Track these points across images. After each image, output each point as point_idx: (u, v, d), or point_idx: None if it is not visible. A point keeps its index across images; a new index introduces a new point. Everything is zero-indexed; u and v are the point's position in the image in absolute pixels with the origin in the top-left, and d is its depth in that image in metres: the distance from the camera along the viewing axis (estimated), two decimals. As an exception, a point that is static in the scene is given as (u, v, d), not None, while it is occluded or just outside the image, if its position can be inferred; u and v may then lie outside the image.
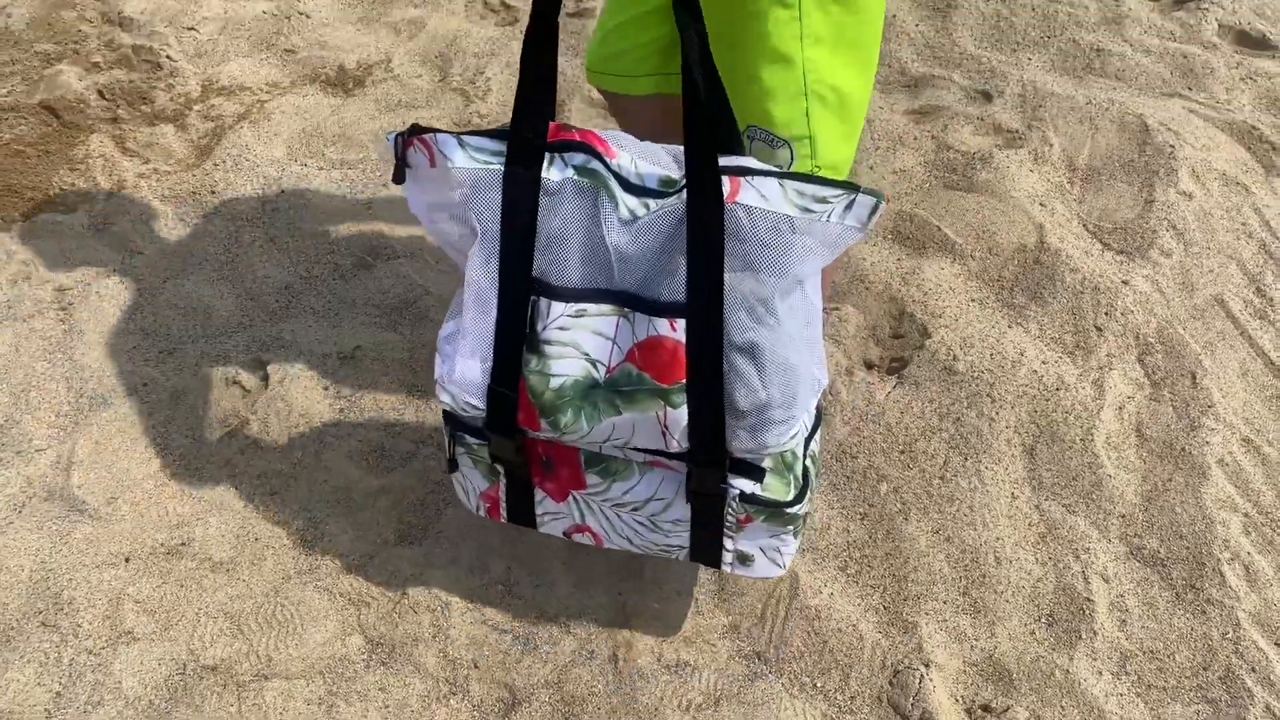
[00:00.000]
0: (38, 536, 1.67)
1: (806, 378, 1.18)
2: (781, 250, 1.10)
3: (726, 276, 1.11)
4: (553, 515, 1.41)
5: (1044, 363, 1.88)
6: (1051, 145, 2.32)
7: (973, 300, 2.02)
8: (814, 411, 1.35)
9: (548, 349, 1.18)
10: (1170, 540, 1.67)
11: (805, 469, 1.31)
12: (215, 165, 2.28)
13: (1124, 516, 1.70)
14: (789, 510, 1.28)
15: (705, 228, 1.10)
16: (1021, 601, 1.61)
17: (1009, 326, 1.96)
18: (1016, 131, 2.38)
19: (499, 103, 2.47)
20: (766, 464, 1.27)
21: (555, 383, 1.18)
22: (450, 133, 1.17)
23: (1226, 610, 1.59)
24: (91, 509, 1.70)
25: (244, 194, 2.23)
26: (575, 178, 1.14)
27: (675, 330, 1.14)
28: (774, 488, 1.28)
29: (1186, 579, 1.63)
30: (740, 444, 1.20)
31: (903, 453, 1.78)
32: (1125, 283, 2.01)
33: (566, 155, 1.15)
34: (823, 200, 1.09)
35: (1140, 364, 1.90)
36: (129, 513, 1.71)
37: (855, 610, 1.60)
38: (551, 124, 1.17)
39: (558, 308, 1.17)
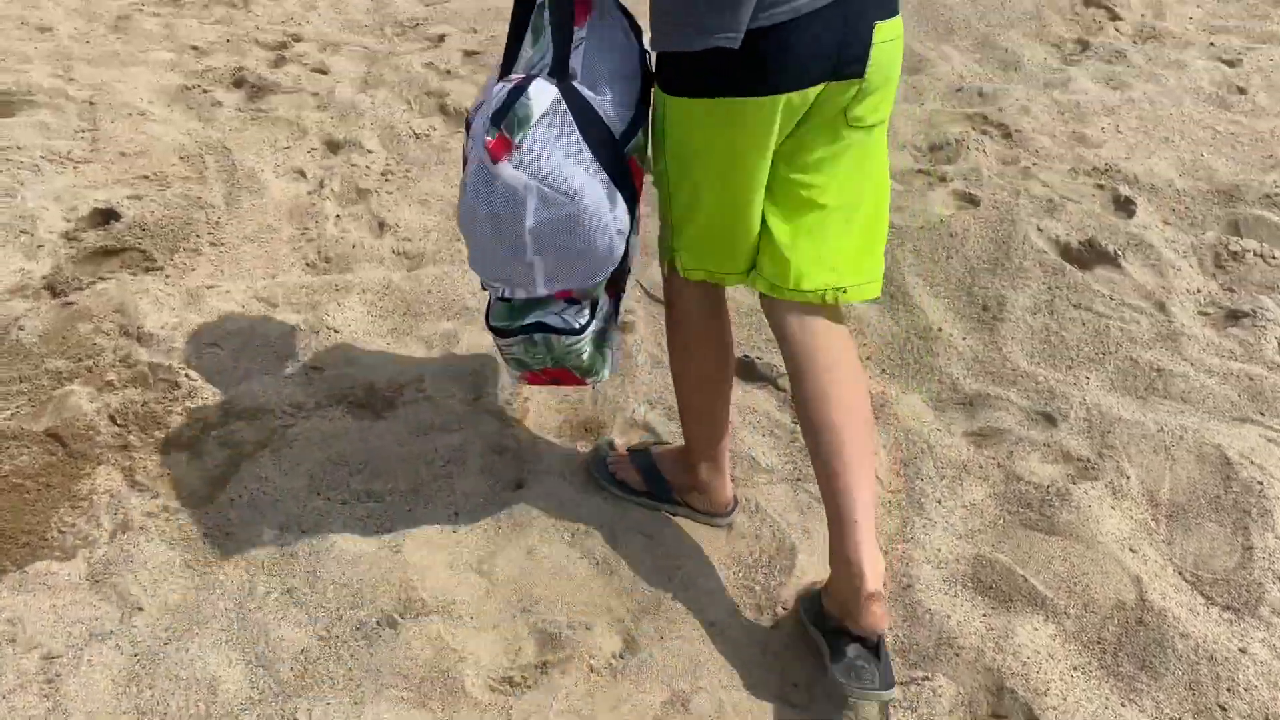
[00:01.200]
0: None
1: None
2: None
3: None
4: None
5: (1173, 756, 1.65)
6: (1128, 478, 2.17)
7: (1074, 668, 1.80)
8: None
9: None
10: None
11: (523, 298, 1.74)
12: (230, 500, 2.10)
13: None
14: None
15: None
16: None
17: (1122, 704, 1.74)
18: (1088, 460, 2.23)
19: (535, 424, 2.32)
20: None
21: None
22: None
23: None
24: None
25: (260, 535, 2.03)
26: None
27: None
28: None
29: None
30: None
31: None
32: (1243, 651, 1.81)
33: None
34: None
35: (1279, 755, 1.67)
36: None
37: None
38: None
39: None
